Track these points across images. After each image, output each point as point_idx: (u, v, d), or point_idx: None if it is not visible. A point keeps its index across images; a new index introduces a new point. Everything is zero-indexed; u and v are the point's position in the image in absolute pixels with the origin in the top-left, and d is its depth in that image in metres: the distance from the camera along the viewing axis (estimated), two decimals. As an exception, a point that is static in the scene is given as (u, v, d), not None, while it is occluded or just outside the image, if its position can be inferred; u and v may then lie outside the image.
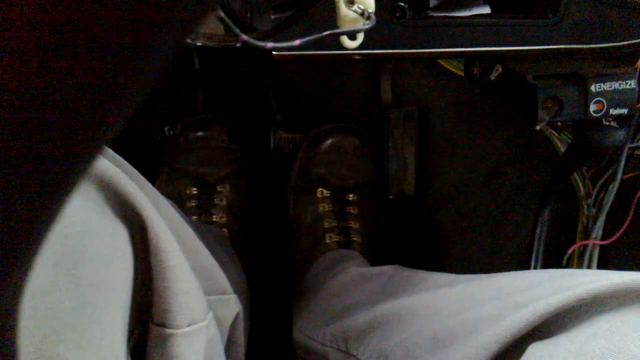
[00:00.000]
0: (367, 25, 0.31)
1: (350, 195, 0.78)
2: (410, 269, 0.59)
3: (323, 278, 0.68)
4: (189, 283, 0.40)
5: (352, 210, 0.77)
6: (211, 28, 0.30)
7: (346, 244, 0.75)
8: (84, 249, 0.32)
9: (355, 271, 0.65)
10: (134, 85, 0.12)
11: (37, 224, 0.12)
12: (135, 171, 0.38)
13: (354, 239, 0.76)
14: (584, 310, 0.33)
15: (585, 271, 0.40)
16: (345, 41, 0.35)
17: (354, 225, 0.76)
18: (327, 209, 0.77)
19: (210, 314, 0.44)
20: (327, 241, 0.74)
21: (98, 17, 0.10)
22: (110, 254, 0.34)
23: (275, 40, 0.30)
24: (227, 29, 0.28)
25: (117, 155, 0.37)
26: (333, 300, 0.62)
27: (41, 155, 0.11)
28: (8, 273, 0.12)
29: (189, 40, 0.33)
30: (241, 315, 0.54)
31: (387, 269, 0.61)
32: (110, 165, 0.34)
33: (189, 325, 0.39)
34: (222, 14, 0.26)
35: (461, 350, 0.37)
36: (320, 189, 0.78)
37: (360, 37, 0.36)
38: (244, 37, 0.26)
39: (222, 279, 0.49)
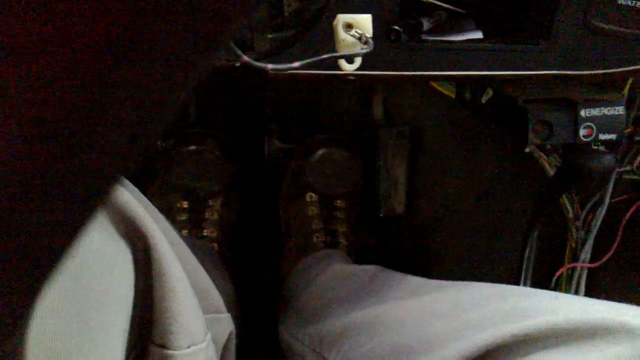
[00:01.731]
0: (365, 49, 0.32)
1: (338, 202, 0.80)
2: (390, 271, 0.61)
3: (307, 276, 0.70)
4: (190, 304, 0.40)
5: (340, 214, 0.79)
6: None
7: (333, 244, 0.77)
8: (89, 269, 0.32)
9: (337, 268, 0.67)
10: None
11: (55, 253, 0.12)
12: (137, 190, 0.38)
13: (341, 240, 0.77)
14: (515, 348, 0.35)
15: (532, 294, 0.42)
16: (343, 64, 0.36)
17: (341, 228, 0.78)
18: (315, 212, 0.79)
19: (209, 335, 0.43)
20: (314, 241, 0.76)
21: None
22: (114, 274, 0.34)
23: (274, 61, 0.30)
24: (228, 49, 0.28)
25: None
26: (314, 299, 0.64)
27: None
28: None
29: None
30: (234, 334, 0.54)
31: (369, 268, 0.63)
32: (118, 187, 0.35)
33: (189, 346, 0.39)
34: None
35: None
36: (309, 194, 0.79)
37: (358, 60, 0.36)
38: (245, 58, 0.27)
39: (216, 298, 0.49)
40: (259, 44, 0.34)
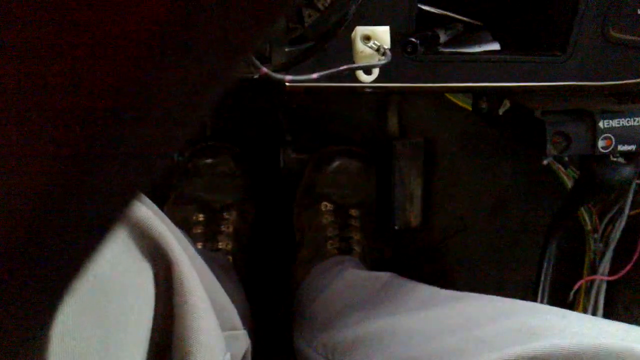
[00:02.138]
0: (383, 60, 0.32)
1: (352, 211, 0.80)
2: (402, 279, 0.62)
3: (320, 283, 0.70)
4: (211, 323, 0.40)
5: (354, 223, 0.79)
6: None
7: (346, 251, 0.77)
8: (110, 288, 0.32)
9: (350, 275, 0.67)
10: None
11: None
12: (155, 206, 0.38)
13: (355, 248, 0.77)
14: None
15: (542, 312, 0.42)
16: (361, 76, 0.36)
17: (355, 236, 0.78)
18: (329, 220, 0.79)
19: (228, 355, 0.43)
20: (328, 248, 0.76)
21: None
22: (134, 293, 0.34)
23: (292, 73, 0.30)
24: (247, 61, 0.29)
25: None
26: (327, 307, 0.64)
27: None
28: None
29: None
30: (250, 351, 0.54)
31: (381, 275, 0.64)
32: (137, 204, 0.35)
33: None
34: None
35: None
36: (324, 203, 0.80)
37: (376, 71, 0.36)
38: (264, 69, 0.27)
39: (233, 314, 0.49)
40: (276, 57, 0.34)
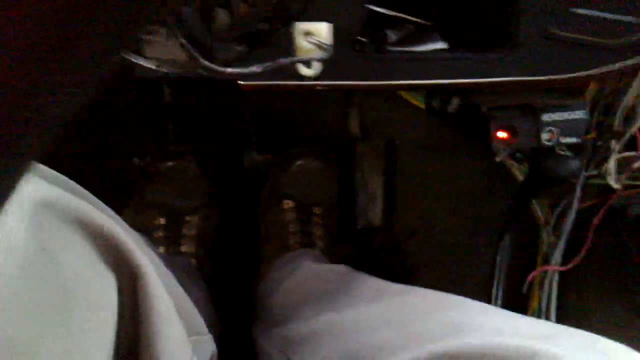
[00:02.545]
0: (322, 55, 0.33)
1: (315, 209, 0.82)
2: (356, 273, 0.64)
3: (279, 276, 0.72)
4: (177, 328, 0.40)
5: (316, 219, 0.81)
6: (175, 54, 0.32)
7: (309, 246, 0.78)
8: (74, 300, 0.32)
9: (307, 268, 0.69)
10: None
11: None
12: (117, 216, 0.38)
13: (317, 242, 0.79)
14: None
15: (468, 307, 0.45)
16: (303, 69, 0.37)
17: (317, 232, 0.80)
18: (291, 217, 0.80)
19: (195, 359, 0.44)
20: (291, 242, 0.78)
21: None
22: (98, 304, 0.35)
23: (235, 67, 0.31)
24: (189, 55, 0.30)
25: (99, 201, 0.38)
26: (284, 300, 0.66)
27: None
28: None
29: (155, 68, 0.35)
30: (215, 356, 0.54)
31: (336, 268, 0.67)
32: (103, 215, 0.35)
33: None
34: (183, 40, 0.27)
35: None
36: (286, 201, 0.81)
37: (317, 66, 0.38)
38: (204, 62, 0.28)
39: (198, 319, 0.49)
40: (221, 53, 0.35)
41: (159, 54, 0.32)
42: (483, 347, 0.36)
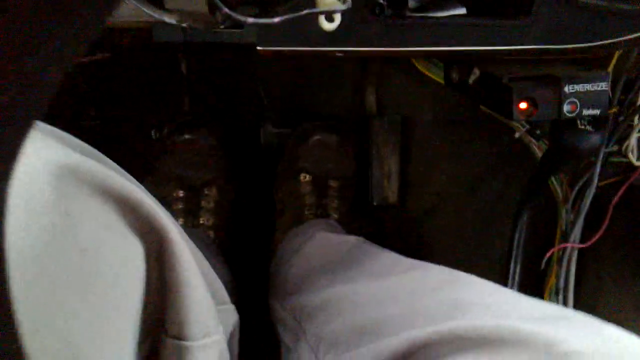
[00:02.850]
0: (343, 7, 0.33)
1: (331, 182, 0.82)
2: (369, 245, 0.66)
3: (294, 246, 0.72)
4: (204, 295, 0.40)
5: (332, 192, 0.81)
6: (196, 5, 0.31)
7: (323, 217, 0.79)
8: (98, 264, 0.33)
9: (321, 237, 0.70)
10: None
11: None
12: (140, 185, 0.39)
13: (332, 214, 0.79)
14: (436, 345, 0.38)
15: (476, 285, 0.46)
16: (323, 23, 0.37)
17: (332, 204, 0.80)
18: (307, 189, 0.81)
19: (221, 327, 0.44)
20: (306, 213, 0.78)
21: None
22: (123, 269, 0.35)
23: (256, 18, 0.31)
24: (210, 3, 0.30)
25: (122, 170, 0.38)
26: (299, 269, 0.67)
27: None
28: None
29: (176, 22, 0.35)
30: (238, 325, 0.55)
31: (350, 239, 0.68)
32: (127, 182, 0.35)
33: (204, 337, 0.39)
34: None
35: (362, 353, 0.43)
36: (303, 174, 0.81)
37: (338, 19, 0.37)
38: (225, 9, 0.28)
39: (221, 289, 0.50)
40: (242, 12, 0.35)
41: (179, 4, 0.32)
42: (486, 328, 0.36)
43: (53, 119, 0.28)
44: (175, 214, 0.78)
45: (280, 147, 0.85)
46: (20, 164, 0.29)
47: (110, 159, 0.38)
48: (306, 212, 0.79)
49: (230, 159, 0.83)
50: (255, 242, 0.86)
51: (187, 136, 0.80)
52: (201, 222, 0.79)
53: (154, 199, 0.39)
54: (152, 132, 0.81)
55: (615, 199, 0.74)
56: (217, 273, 0.51)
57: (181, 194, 0.80)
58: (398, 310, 0.45)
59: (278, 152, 0.85)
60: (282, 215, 0.82)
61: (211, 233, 0.79)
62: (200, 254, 0.46)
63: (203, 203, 0.80)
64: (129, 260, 0.36)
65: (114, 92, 0.85)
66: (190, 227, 0.78)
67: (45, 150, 0.32)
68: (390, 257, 0.58)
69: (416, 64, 0.76)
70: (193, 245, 0.45)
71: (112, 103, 0.86)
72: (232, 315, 0.53)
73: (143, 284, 0.37)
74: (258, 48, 0.50)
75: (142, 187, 0.38)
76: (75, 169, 0.32)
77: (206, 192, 0.80)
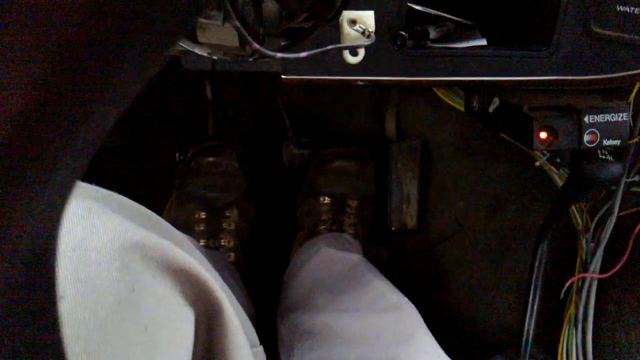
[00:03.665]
0: (367, 42, 0.34)
1: (350, 201, 0.84)
2: (365, 267, 0.71)
3: (301, 261, 0.76)
4: (248, 354, 0.41)
5: (350, 210, 0.83)
6: (227, 40, 0.33)
7: (337, 231, 0.81)
8: (158, 339, 0.34)
9: (325, 253, 0.74)
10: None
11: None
12: (193, 247, 0.39)
13: (347, 230, 0.81)
14: None
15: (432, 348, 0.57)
16: (348, 57, 0.38)
17: (349, 220, 0.82)
18: (326, 207, 0.83)
19: None
20: (320, 228, 0.81)
21: None
22: (178, 341, 0.36)
23: (283, 53, 0.32)
24: (241, 39, 0.31)
25: (179, 233, 0.39)
26: (300, 286, 0.72)
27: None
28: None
29: (207, 55, 0.36)
30: None
31: (352, 257, 0.72)
32: (185, 254, 0.36)
33: None
34: (238, 23, 0.29)
35: None
36: (322, 197, 0.84)
37: (361, 53, 0.39)
38: (256, 45, 0.29)
39: (252, 331, 0.51)
40: (269, 44, 0.36)
41: (211, 40, 0.33)
42: None
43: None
44: (196, 235, 0.79)
45: (302, 167, 0.87)
46: (89, 239, 0.31)
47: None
48: (320, 227, 0.81)
49: (252, 181, 0.84)
50: (274, 260, 0.87)
51: (210, 159, 0.82)
52: (222, 243, 0.80)
53: (203, 258, 0.40)
54: (177, 155, 0.83)
55: (637, 229, 0.74)
56: (239, 302, 0.53)
57: (203, 215, 0.81)
58: (375, 355, 0.55)
59: (299, 172, 0.87)
60: (300, 231, 0.84)
61: (231, 255, 0.80)
62: (235, 301, 0.47)
63: (224, 225, 0.81)
64: (184, 331, 0.36)
65: (140, 114, 0.87)
66: (212, 249, 0.80)
67: (111, 224, 0.32)
68: (380, 288, 0.65)
69: (436, 91, 0.77)
70: (229, 293, 0.46)
71: (137, 125, 0.88)
72: (261, 357, 0.54)
73: (191, 349, 0.37)
74: (283, 77, 0.52)
75: (194, 250, 0.39)
76: (140, 244, 0.33)
77: (227, 213, 0.82)
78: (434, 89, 0.77)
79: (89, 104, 0.14)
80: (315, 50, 0.32)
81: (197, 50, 0.33)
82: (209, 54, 0.37)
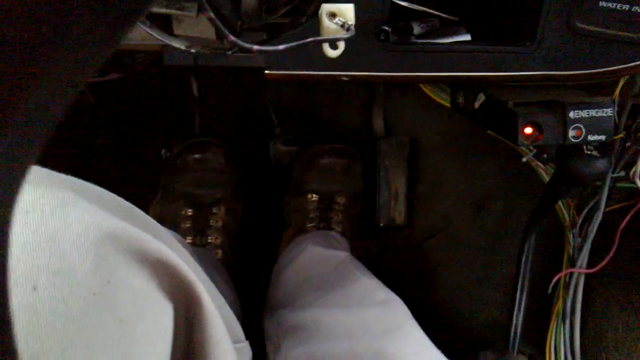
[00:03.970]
0: (347, 35, 0.34)
1: (338, 198, 0.84)
2: (352, 265, 0.71)
3: (288, 259, 0.76)
4: (229, 348, 0.41)
5: (338, 207, 0.83)
6: (203, 32, 0.33)
7: (325, 229, 0.81)
8: (134, 332, 0.33)
9: (312, 251, 0.74)
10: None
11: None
12: (172, 238, 0.39)
13: (335, 227, 0.81)
14: None
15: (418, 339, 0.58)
16: (328, 50, 0.38)
17: (337, 217, 0.82)
18: (314, 205, 0.83)
19: None
20: (308, 225, 0.81)
21: None
22: (156, 334, 0.35)
23: (261, 45, 0.32)
24: (217, 32, 0.31)
25: (156, 224, 0.38)
26: (287, 283, 0.72)
27: None
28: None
29: (185, 48, 0.36)
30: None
31: (339, 255, 0.72)
32: (160, 244, 0.35)
33: None
34: (212, 15, 0.28)
35: None
36: (310, 194, 0.83)
37: (342, 47, 0.38)
38: (231, 37, 0.29)
39: (237, 327, 0.50)
40: (251, 39, 0.36)
41: (187, 32, 0.33)
42: None
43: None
44: (183, 233, 0.79)
45: (289, 164, 0.86)
46: (64, 230, 0.30)
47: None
48: (308, 225, 0.81)
49: (239, 177, 0.84)
50: (262, 257, 0.87)
51: (197, 155, 0.81)
52: (209, 240, 0.80)
53: (182, 249, 0.40)
54: (163, 152, 0.83)
55: (623, 224, 0.74)
56: (226, 299, 0.52)
57: (190, 212, 0.80)
58: (361, 348, 0.55)
59: (287, 169, 0.87)
60: (288, 229, 0.84)
61: (219, 252, 0.80)
62: (218, 295, 0.46)
63: (211, 222, 0.80)
64: (161, 324, 0.36)
65: (126, 112, 0.86)
66: (199, 246, 0.79)
67: (86, 215, 0.32)
68: (368, 285, 0.65)
69: (423, 88, 0.77)
70: (214, 289, 0.45)
71: (123, 122, 0.87)
72: (246, 352, 0.53)
73: (170, 345, 0.37)
74: (266, 72, 0.52)
75: (174, 241, 0.39)
76: (114, 234, 0.32)
77: (214, 210, 0.81)
78: (421, 86, 0.77)
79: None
80: (293, 43, 0.32)
81: (174, 43, 0.33)
82: (187, 47, 0.36)
